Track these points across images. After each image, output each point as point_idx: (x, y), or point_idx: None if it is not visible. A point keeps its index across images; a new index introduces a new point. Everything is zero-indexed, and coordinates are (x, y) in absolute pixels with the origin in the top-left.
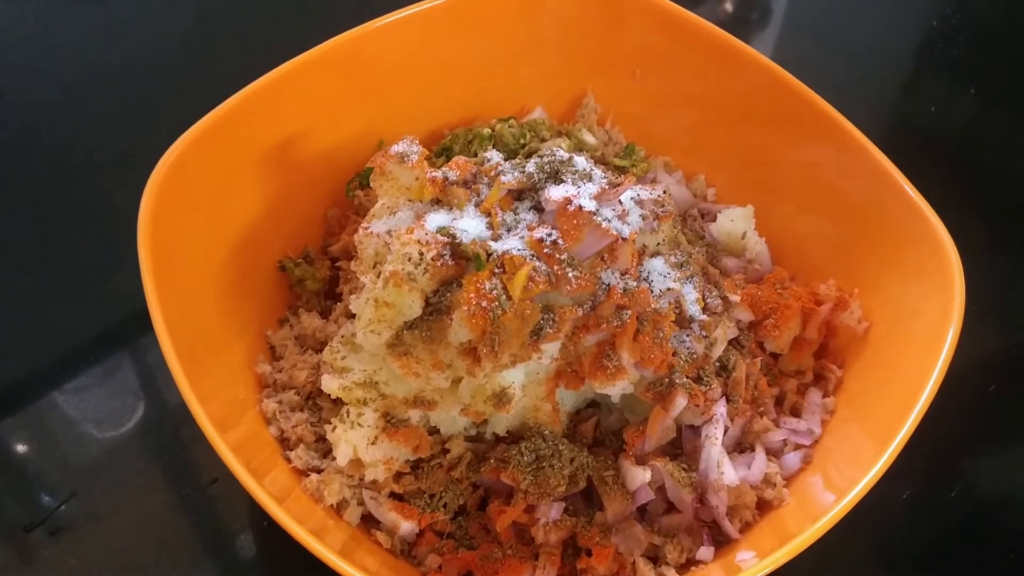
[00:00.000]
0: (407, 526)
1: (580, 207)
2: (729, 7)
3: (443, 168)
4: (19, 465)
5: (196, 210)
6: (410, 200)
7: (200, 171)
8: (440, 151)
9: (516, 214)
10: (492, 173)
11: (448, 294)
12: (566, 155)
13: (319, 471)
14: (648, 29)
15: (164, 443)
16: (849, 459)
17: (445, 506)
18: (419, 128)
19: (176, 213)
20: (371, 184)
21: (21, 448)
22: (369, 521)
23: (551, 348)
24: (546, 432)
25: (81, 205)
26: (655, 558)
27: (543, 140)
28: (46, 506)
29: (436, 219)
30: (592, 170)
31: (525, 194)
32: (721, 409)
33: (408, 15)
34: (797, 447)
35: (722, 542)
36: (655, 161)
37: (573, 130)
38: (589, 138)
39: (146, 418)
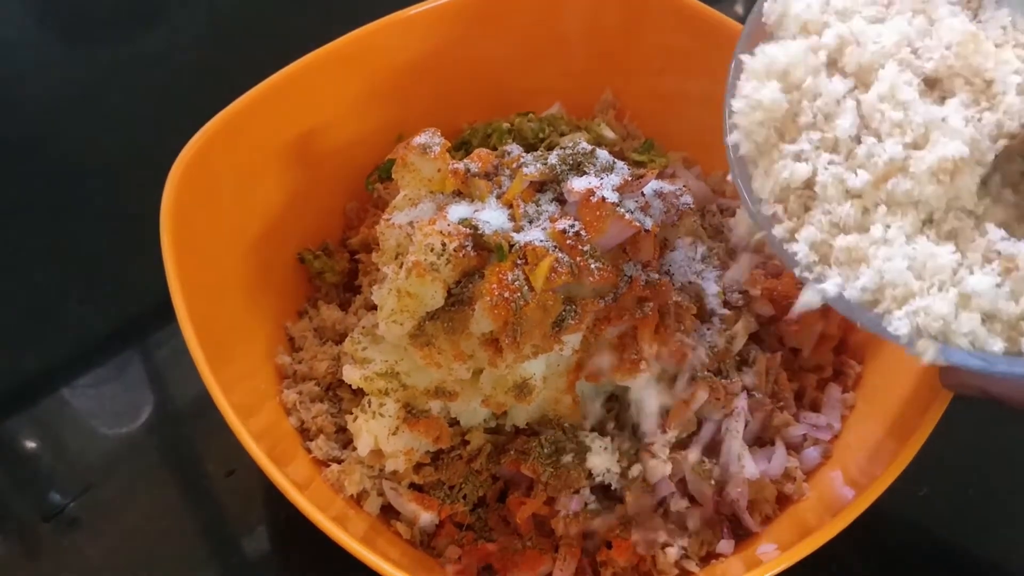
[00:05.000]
0: (427, 517)
1: (603, 198)
2: (740, 10)
3: (465, 160)
4: (36, 458)
5: (215, 203)
6: (432, 192)
7: (220, 164)
8: (459, 145)
9: (538, 206)
10: (514, 165)
11: (470, 285)
12: (588, 147)
13: (339, 461)
14: (670, 26)
15: (180, 437)
16: (868, 455)
17: (465, 497)
18: (437, 123)
19: (196, 205)
20: (393, 175)
21: (37, 442)
22: (389, 512)
23: (572, 340)
24: (566, 424)
25: (96, 201)
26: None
27: (562, 134)
28: (63, 498)
29: (458, 211)
30: (615, 162)
31: (547, 186)
32: (742, 403)
33: (429, 9)
34: (817, 442)
35: (742, 535)
36: (673, 156)
37: (592, 125)
38: (608, 133)
39: (161, 412)
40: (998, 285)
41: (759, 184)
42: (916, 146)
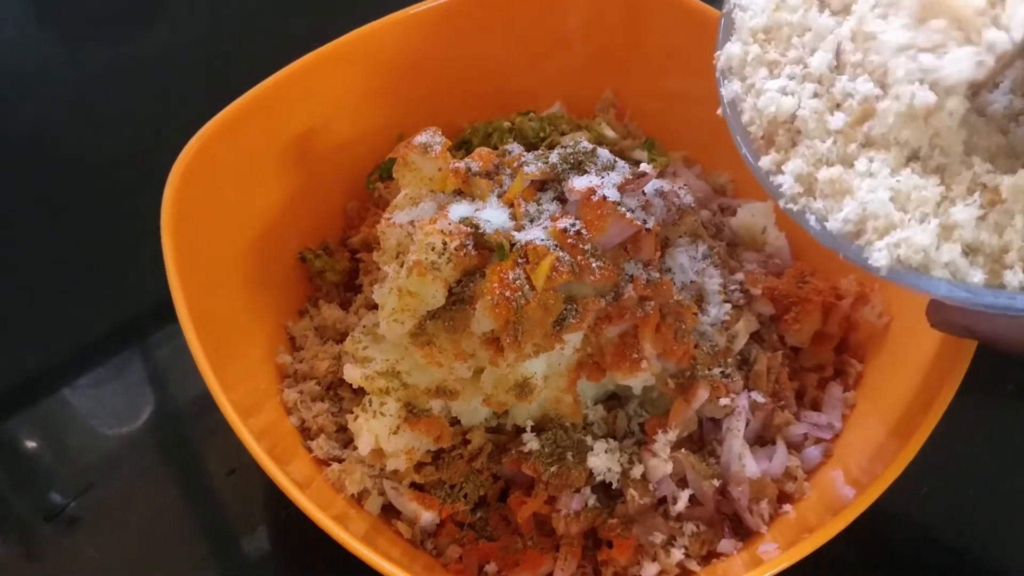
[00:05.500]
0: (427, 516)
1: (604, 197)
2: None
3: (466, 159)
4: (37, 458)
5: (217, 202)
6: (432, 191)
7: (220, 163)
8: (459, 144)
9: (539, 205)
10: (515, 164)
11: (471, 284)
12: (590, 146)
13: (340, 461)
14: (670, 25)
15: (181, 436)
16: (869, 454)
17: (465, 497)
18: (438, 122)
19: (197, 204)
20: (394, 174)
21: (39, 441)
22: (389, 511)
23: (573, 339)
24: (567, 424)
25: (97, 201)
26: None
27: (562, 134)
28: (64, 498)
29: (459, 210)
30: (616, 161)
31: (548, 185)
32: (743, 402)
33: (430, 8)
34: (818, 441)
35: (743, 535)
36: (674, 155)
37: (592, 124)
38: (609, 132)
39: (162, 412)
40: (981, 217)
41: (748, 118)
42: (887, 86)
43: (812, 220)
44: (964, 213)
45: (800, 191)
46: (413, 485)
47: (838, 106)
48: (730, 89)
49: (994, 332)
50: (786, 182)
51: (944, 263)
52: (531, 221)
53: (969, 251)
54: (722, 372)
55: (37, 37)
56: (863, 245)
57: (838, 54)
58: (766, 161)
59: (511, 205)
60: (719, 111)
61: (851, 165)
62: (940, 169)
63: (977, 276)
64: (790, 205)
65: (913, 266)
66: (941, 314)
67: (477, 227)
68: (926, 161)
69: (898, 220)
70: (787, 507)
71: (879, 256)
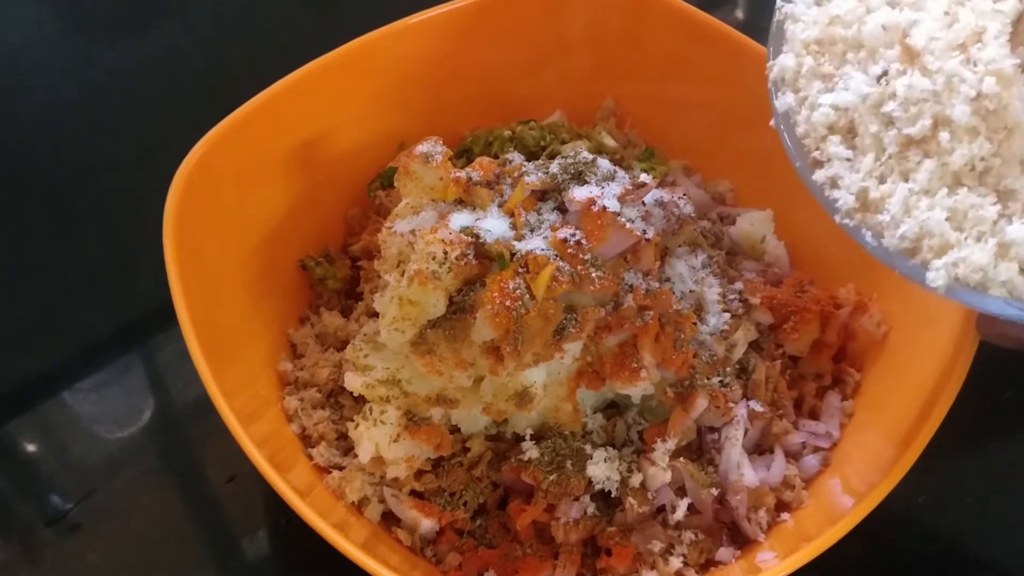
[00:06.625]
0: (427, 524)
1: (604, 208)
2: (741, 15)
3: (467, 168)
4: (38, 462)
5: (218, 208)
6: (433, 200)
7: (223, 170)
8: (460, 152)
9: (539, 214)
10: (515, 174)
11: (472, 293)
12: (590, 156)
13: (340, 468)
14: (670, 33)
15: (181, 441)
16: (867, 463)
17: (465, 504)
18: (439, 130)
19: (200, 211)
20: (395, 184)
21: (40, 446)
22: (389, 519)
23: (573, 348)
24: (566, 432)
25: (99, 205)
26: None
27: (563, 143)
28: (65, 502)
29: (460, 219)
30: (616, 171)
31: (548, 195)
32: (741, 411)
33: (430, 17)
34: (816, 450)
35: (741, 543)
36: (674, 164)
37: (593, 133)
38: (609, 141)
39: (163, 416)
40: None
41: (802, 130)
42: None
43: (868, 236)
44: (1021, 232)
45: (856, 206)
46: (413, 493)
47: (892, 122)
48: (783, 101)
49: None
50: (842, 197)
51: (1002, 282)
52: (531, 231)
53: None
54: (721, 381)
55: (40, 41)
56: (920, 264)
57: (887, 75)
58: (820, 175)
59: (512, 215)
60: (772, 122)
61: (908, 180)
62: (997, 182)
63: None
64: (846, 220)
65: (971, 285)
66: (993, 327)
67: (478, 236)
68: (984, 176)
69: (954, 240)
70: (785, 516)
71: (936, 276)
